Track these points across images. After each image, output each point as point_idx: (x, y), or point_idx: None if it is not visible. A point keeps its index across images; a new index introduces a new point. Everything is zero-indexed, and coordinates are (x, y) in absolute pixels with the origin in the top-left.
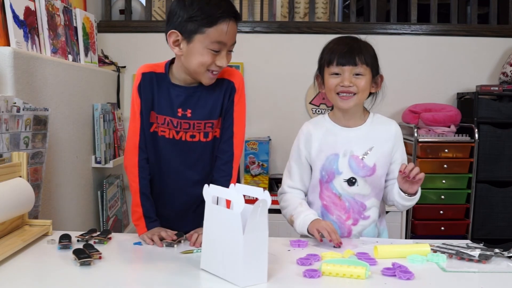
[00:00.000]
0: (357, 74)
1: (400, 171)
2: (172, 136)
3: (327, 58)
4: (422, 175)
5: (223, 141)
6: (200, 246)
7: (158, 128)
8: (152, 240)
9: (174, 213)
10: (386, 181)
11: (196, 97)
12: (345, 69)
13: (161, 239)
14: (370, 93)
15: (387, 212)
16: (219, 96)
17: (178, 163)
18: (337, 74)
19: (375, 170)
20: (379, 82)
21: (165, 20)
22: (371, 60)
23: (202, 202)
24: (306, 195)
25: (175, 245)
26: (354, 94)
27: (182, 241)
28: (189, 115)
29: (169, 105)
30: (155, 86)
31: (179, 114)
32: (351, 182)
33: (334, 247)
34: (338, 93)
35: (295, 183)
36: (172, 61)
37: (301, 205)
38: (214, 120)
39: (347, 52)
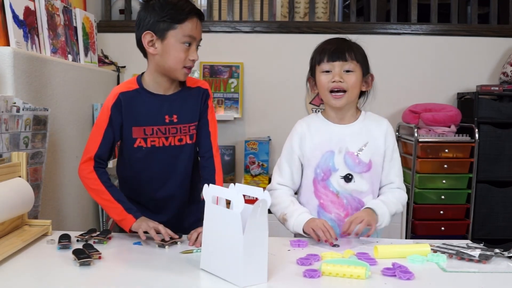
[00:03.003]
0: (347, 71)
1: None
2: (162, 144)
3: (317, 57)
4: (360, 228)
5: (202, 141)
6: (200, 246)
7: (147, 140)
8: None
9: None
10: (381, 187)
11: (178, 102)
12: (336, 65)
13: (157, 233)
14: (362, 93)
15: None
16: (197, 101)
17: (168, 169)
18: (328, 71)
19: (371, 166)
20: (369, 81)
21: None
22: (361, 58)
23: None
24: (296, 193)
25: (167, 246)
26: (345, 91)
27: (180, 242)
28: (175, 120)
29: (154, 115)
30: (134, 102)
31: (167, 121)
32: (347, 178)
33: (333, 246)
34: (331, 92)
35: (285, 180)
36: (141, 75)
37: (293, 203)
38: (196, 122)
39: (337, 49)
